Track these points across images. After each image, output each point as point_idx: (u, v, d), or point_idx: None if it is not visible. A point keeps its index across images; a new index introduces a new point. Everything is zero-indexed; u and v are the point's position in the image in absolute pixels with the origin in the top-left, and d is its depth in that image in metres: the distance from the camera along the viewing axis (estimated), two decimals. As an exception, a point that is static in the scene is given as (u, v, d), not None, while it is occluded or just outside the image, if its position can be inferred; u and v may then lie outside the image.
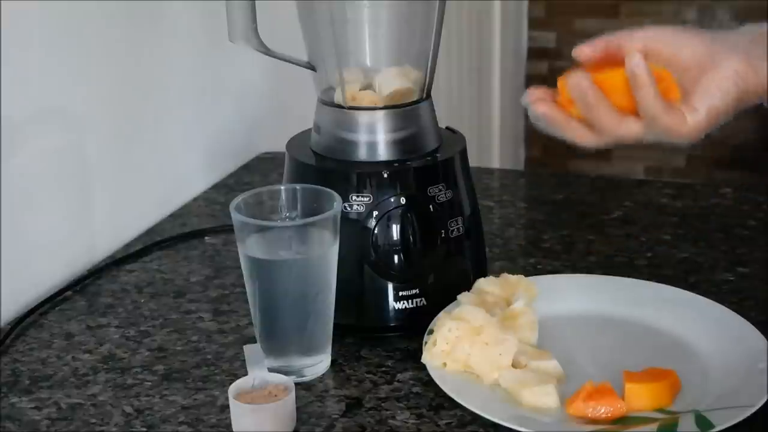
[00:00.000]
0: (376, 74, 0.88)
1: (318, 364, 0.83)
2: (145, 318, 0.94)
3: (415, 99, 0.90)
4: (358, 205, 0.86)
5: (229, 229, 0.92)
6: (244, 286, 0.83)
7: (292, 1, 0.90)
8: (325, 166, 0.89)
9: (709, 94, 0.70)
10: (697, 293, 0.90)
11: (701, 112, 0.70)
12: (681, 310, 0.88)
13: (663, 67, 0.72)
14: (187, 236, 1.12)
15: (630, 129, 0.71)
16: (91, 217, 1.08)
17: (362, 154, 0.88)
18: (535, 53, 3.20)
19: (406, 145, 0.88)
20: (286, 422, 0.74)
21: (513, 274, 0.91)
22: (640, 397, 0.74)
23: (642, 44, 0.73)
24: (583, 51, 0.74)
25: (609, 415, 0.73)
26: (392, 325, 0.88)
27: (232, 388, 0.74)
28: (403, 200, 0.86)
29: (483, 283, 0.89)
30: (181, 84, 1.23)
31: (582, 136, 0.74)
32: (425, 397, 0.79)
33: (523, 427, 0.72)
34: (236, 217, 0.79)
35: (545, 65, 3.21)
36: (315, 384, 0.82)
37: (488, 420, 0.73)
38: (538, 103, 0.73)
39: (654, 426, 0.72)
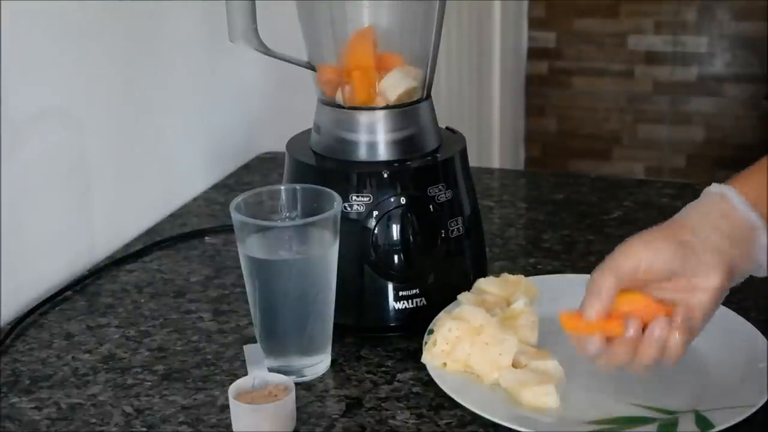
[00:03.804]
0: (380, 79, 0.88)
1: (318, 364, 0.83)
2: (145, 318, 0.94)
3: (415, 99, 0.90)
4: (358, 205, 0.86)
5: (229, 229, 0.92)
6: (244, 286, 0.83)
7: (292, 1, 0.90)
8: (325, 166, 0.89)
9: (705, 309, 0.72)
10: (697, 293, 0.90)
11: (701, 325, 0.73)
12: (681, 310, 0.88)
13: (645, 297, 0.73)
14: (187, 236, 1.12)
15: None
16: (91, 217, 1.08)
17: (362, 154, 0.88)
18: (535, 53, 3.20)
19: (406, 145, 0.88)
20: (286, 422, 0.74)
21: (513, 274, 0.91)
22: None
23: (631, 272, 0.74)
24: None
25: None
26: (392, 325, 0.88)
27: (232, 388, 0.74)
28: (403, 200, 0.86)
29: (483, 283, 0.89)
30: (181, 84, 1.23)
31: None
32: (425, 397, 0.79)
33: (523, 427, 0.72)
34: (236, 217, 0.79)
35: (545, 65, 3.21)
36: (315, 384, 0.82)
37: (488, 420, 0.73)
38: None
39: (654, 426, 0.72)
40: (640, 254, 0.73)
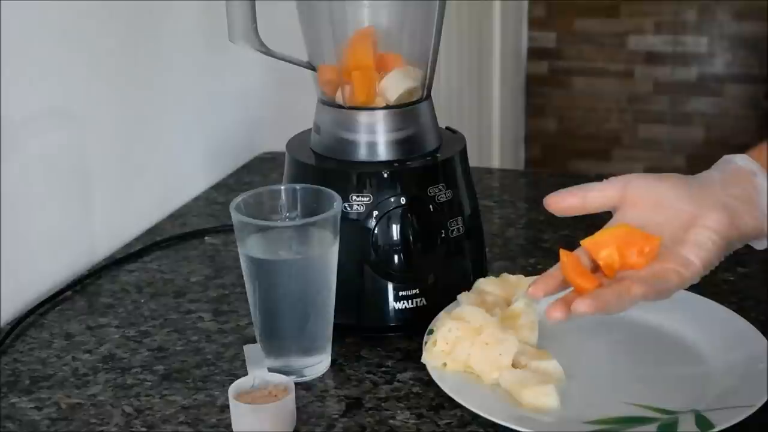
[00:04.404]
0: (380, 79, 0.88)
1: (318, 364, 0.83)
2: (145, 318, 0.94)
3: (415, 99, 0.90)
4: (358, 205, 0.86)
5: (229, 229, 0.92)
6: (244, 286, 0.83)
7: (292, 1, 0.90)
8: (325, 166, 0.89)
9: (702, 247, 0.73)
10: (697, 293, 0.90)
11: (697, 264, 0.73)
12: (681, 310, 0.88)
13: (627, 226, 0.75)
14: (187, 236, 1.12)
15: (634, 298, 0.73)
16: (91, 217, 1.08)
17: (362, 154, 0.88)
18: (535, 53, 3.20)
19: (406, 145, 0.88)
20: (286, 422, 0.74)
21: (513, 274, 0.91)
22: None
23: (617, 193, 0.78)
24: (552, 205, 0.79)
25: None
26: (392, 325, 0.88)
27: (232, 388, 0.74)
28: (403, 200, 0.86)
29: (483, 283, 0.89)
30: (181, 84, 1.23)
31: None
32: (425, 397, 0.79)
33: (523, 427, 0.72)
34: (236, 217, 0.79)
35: (545, 65, 3.21)
36: (315, 384, 0.82)
37: (488, 420, 0.73)
38: (553, 310, 0.72)
39: (654, 426, 0.72)
40: (636, 179, 0.77)
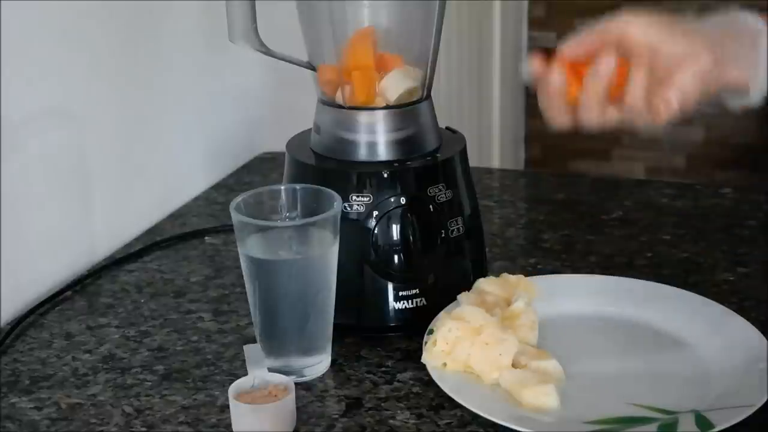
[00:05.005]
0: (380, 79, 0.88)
1: (318, 364, 0.83)
2: (145, 318, 0.94)
3: (415, 99, 0.89)
4: (358, 205, 0.86)
5: (229, 229, 0.92)
6: (244, 286, 0.83)
7: (292, 1, 0.90)
8: (325, 166, 0.89)
9: (684, 89, 0.75)
10: (697, 293, 0.90)
11: (675, 106, 0.75)
12: (681, 310, 0.88)
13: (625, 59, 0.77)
14: (187, 236, 1.12)
15: (609, 118, 0.77)
16: (91, 217, 1.08)
17: (362, 154, 0.88)
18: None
19: (406, 145, 0.88)
20: (286, 422, 0.74)
21: (513, 274, 0.91)
22: None
23: (619, 34, 0.80)
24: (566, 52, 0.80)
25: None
26: (392, 325, 0.88)
27: (232, 388, 0.74)
28: (403, 200, 0.86)
29: (483, 283, 0.89)
30: (181, 84, 1.23)
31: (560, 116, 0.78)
32: (425, 397, 0.79)
33: (523, 427, 0.72)
34: (236, 217, 0.79)
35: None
36: (315, 384, 0.82)
37: (488, 420, 0.73)
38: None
39: (654, 426, 0.72)
40: (632, 17, 0.79)
